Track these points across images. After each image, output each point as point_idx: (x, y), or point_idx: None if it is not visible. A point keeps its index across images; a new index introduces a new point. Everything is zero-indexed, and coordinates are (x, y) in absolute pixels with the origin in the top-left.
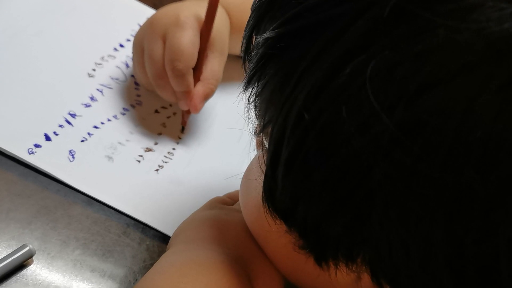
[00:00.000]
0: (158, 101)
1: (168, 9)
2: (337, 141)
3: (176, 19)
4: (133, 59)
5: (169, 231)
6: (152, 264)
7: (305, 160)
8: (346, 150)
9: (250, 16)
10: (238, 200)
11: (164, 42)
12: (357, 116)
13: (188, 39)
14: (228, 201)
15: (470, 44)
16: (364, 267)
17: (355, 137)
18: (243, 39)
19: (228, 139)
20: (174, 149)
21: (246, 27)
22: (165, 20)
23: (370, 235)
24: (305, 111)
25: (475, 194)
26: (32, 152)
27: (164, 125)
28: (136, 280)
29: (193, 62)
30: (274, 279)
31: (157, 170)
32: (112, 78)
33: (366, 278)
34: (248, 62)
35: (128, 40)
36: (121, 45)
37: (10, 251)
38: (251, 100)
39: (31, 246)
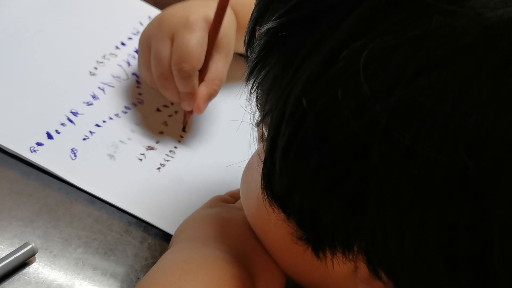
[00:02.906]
0: (159, 99)
1: (177, 9)
2: (334, 124)
3: (185, 20)
4: (138, 56)
5: (171, 230)
6: (154, 263)
7: (302, 144)
8: (342, 133)
9: (254, 9)
10: (239, 198)
11: (172, 43)
12: (354, 100)
13: (197, 41)
14: (229, 200)
15: (465, 29)
16: (360, 255)
17: (352, 120)
18: (247, 31)
19: (229, 138)
20: (175, 147)
21: (250, 20)
22: (174, 20)
23: (365, 220)
24: (303, 96)
25: (467, 177)
26: (34, 150)
27: (165, 123)
28: (138, 278)
29: (199, 64)
30: (276, 276)
31: (159, 168)
32: (113, 77)
33: (362, 268)
34: (250, 54)
35: (130, 38)
36: (123, 43)
37: (12, 249)
38: (252, 91)
39: (33, 245)
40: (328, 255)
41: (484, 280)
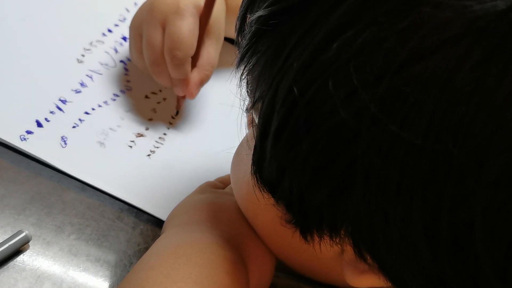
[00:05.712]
0: (148, 86)
1: None
2: (324, 112)
3: (176, 6)
4: (130, 43)
5: (162, 215)
6: (146, 248)
7: (292, 130)
8: (332, 121)
9: None
10: (228, 184)
11: (164, 30)
12: (344, 88)
13: (188, 28)
14: (219, 185)
15: (452, 20)
16: (347, 238)
17: (342, 108)
18: (237, 19)
19: (219, 124)
20: (165, 134)
21: (241, 7)
22: (164, 7)
23: (352, 205)
24: (294, 84)
25: (451, 163)
26: (25, 139)
27: (154, 110)
28: (131, 263)
29: (192, 51)
30: (266, 259)
31: (149, 155)
32: (101, 64)
33: (348, 250)
34: (241, 41)
35: (116, 25)
36: (109, 30)
37: (6, 237)
38: (243, 77)
39: (27, 232)
40: (316, 238)
41: (466, 262)
